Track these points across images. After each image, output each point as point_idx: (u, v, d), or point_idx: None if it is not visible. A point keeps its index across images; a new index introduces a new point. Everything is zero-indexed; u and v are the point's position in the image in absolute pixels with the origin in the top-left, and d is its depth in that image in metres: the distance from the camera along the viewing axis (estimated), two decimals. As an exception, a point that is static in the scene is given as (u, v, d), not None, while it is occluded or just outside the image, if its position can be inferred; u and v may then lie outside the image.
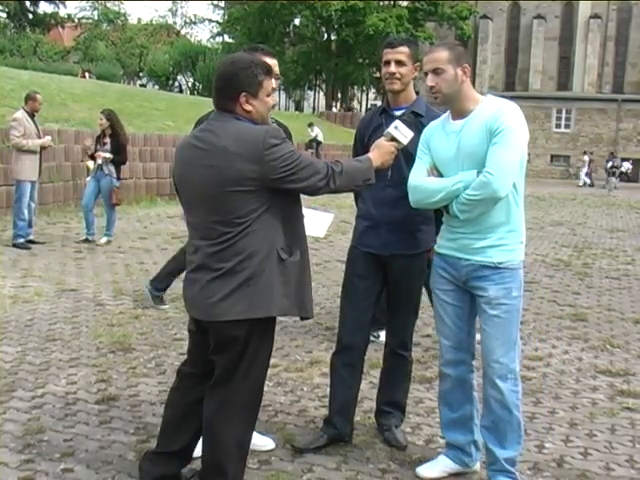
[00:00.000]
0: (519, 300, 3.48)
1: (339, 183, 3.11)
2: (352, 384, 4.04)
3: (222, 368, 3.15)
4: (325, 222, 3.64)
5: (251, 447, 3.88)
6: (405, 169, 3.81)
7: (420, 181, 3.54)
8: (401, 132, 3.34)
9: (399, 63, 3.82)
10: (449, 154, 3.46)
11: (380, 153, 3.31)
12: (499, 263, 3.42)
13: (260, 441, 3.97)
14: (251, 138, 2.95)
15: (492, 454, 3.54)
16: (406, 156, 3.79)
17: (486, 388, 3.54)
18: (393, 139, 3.34)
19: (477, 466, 3.79)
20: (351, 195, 4.19)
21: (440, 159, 3.51)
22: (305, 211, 3.43)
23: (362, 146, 3.99)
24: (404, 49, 3.83)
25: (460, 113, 3.46)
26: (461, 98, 3.42)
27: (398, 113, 3.89)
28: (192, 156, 3.08)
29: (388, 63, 3.84)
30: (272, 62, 3.72)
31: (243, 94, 3.03)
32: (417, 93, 4.00)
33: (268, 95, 3.13)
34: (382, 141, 3.36)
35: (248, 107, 3.05)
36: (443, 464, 3.74)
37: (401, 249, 3.88)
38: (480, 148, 3.33)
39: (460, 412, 3.69)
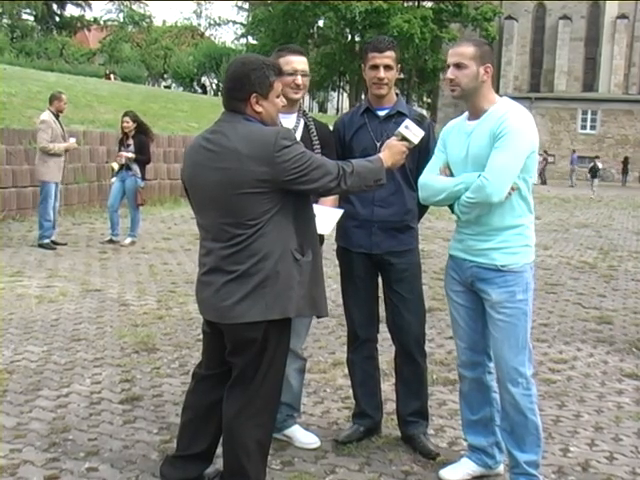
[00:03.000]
0: (525, 303, 3.45)
1: (350, 183, 3.09)
2: (374, 373, 4.12)
3: (240, 370, 3.15)
4: (334, 218, 3.63)
5: (298, 445, 3.93)
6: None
7: (428, 179, 3.57)
8: (412, 131, 3.33)
9: (387, 67, 3.82)
10: (460, 155, 3.47)
11: (391, 153, 3.28)
12: (502, 266, 3.41)
13: (306, 439, 3.99)
14: (262, 139, 2.94)
15: (513, 457, 3.54)
16: None
17: (500, 392, 3.55)
18: (404, 138, 3.33)
19: (500, 468, 3.77)
20: None
21: (452, 159, 3.53)
22: (315, 208, 3.43)
23: (341, 146, 3.97)
24: (391, 53, 3.82)
25: (475, 113, 3.45)
26: (478, 97, 3.42)
27: (382, 113, 3.91)
28: (202, 158, 3.06)
29: (376, 67, 3.82)
30: (299, 59, 3.73)
31: (254, 95, 3.02)
32: (397, 95, 4.01)
33: (278, 96, 3.12)
34: (393, 141, 3.33)
35: (258, 108, 3.05)
36: (466, 467, 3.72)
37: (393, 247, 3.89)
38: (485, 152, 3.33)
39: (480, 414, 3.67)
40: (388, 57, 3.80)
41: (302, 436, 4.02)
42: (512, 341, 3.43)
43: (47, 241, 10.14)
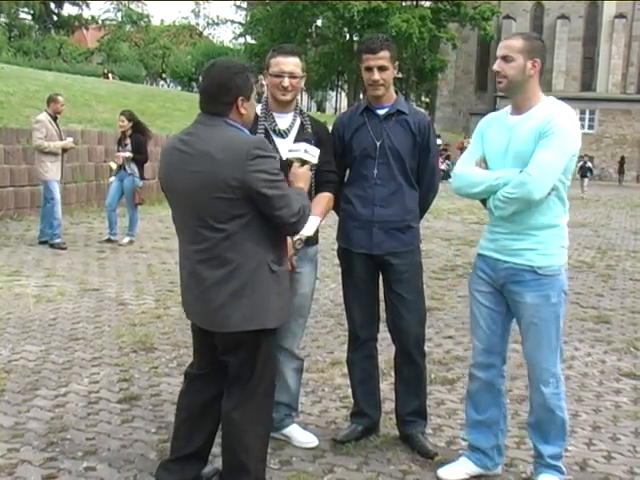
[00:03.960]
0: (559, 306, 3.45)
1: (304, 225, 3.15)
2: (373, 373, 4.12)
3: (236, 372, 3.17)
4: (314, 222, 3.65)
5: (296, 444, 3.94)
6: (393, 167, 3.82)
7: (465, 170, 3.53)
8: (311, 153, 3.31)
9: (382, 69, 3.77)
10: (499, 148, 3.43)
11: (304, 181, 3.26)
12: (538, 267, 3.39)
13: (304, 438, 4.00)
14: (237, 146, 2.95)
15: (537, 450, 3.61)
16: (393, 153, 3.81)
17: (531, 391, 3.58)
18: (304, 162, 3.31)
19: (499, 470, 3.77)
20: None
21: (490, 152, 3.49)
22: None
23: (341, 144, 3.95)
24: (385, 54, 3.75)
25: (519, 107, 3.41)
26: (524, 91, 3.38)
27: (381, 112, 3.87)
28: (176, 160, 3.08)
29: (370, 69, 3.78)
30: (288, 61, 3.67)
31: (240, 98, 3.05)
32: (396, 93, 3.94)
33: (255, 98, 3.17)
34: (298, 170, 3.29)
35: (243, 110, 3.07)
36: (465, 466, 3.73)
37: (394, 247, 3.87)
38: (528, 148, 3.30)
39: (486, 415, 3.67)
40: (382, 58, 3.75)
41: (300, 435, 4.02)
42: (544, 343, 3.44)
43: (58, 240, 10.12)
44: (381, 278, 4.02)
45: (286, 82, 3.65)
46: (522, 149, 3.33)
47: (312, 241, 3.82)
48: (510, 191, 3.30)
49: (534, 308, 3.41)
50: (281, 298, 3.12)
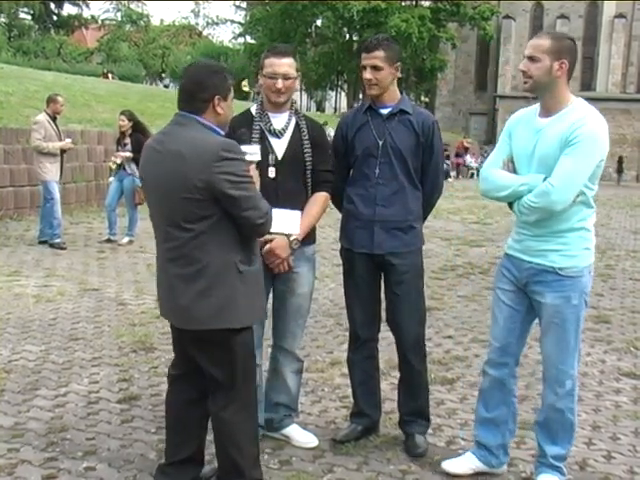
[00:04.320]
0: (580, 308, 3.43)
1: (271, 225, 3.14)
2: (373, 374, 4.11)
3: (216, 374, 3.16)
4: (295, 218, 3.64)
5: (295, 444, 3.95)
6: (395, 166, 3.81)
7: (491, 173, 3.50)
8: (250, 153, 3.23)
9: (375, 68, 3.75)
10: (526, 151, 3.40)
11: (254, 182, 3.20)
12: (560, 269, 3.37)
13: (304, 438, 4.00)
14: (205, 147, 2.96)
15: (541, 449, 3.60)
16: (395, 153, 3.79)
17: (544, 390, 3.58)
18: (249, 163, 3.22)
19: (503, 469, 3.79)
20: None
21: (517, 153, 3.47)
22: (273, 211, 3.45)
23: (344, 143, 3.96)
24: (379, 53, 3.73)
25: (548, 109, 3.37)
26: (551, 92, 3.33)
27: (384, 111, 3.86)
28: (151, 158, 3.13)
29: (365, 68, 3.78)
30: (282, 62, 3.63)
31: (217, 97, 3.07)
32: (400, 92, 3.93)
33: (231, 100, 3.17)
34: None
35: (220, 110, 3.09)
36: (470, 461, 3.74)
37: (395, 247, 3.86)
38: (553, 154, 3.26)
39: (495, 413, 3.68)
40: (375, 57, 3.73)
41: (300, 435, 4.02)
42: (563, 344, 3.44)
43: (58, 240, 10.12)
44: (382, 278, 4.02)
45: (279, 84, 3.63)
46: (547, 154, 3.29)
47: (309, 240, 3.82)
48: (533, 200, 3.28)
49: (554, 308, 3.41)
50: (250, 298, 3.11)
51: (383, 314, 4.09)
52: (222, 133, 3.13)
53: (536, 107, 3.49)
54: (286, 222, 3.60)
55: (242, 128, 3.56)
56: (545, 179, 3.27)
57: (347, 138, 3.95)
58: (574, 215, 3.35)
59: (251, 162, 3.22)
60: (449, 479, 3.71)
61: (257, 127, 3.72)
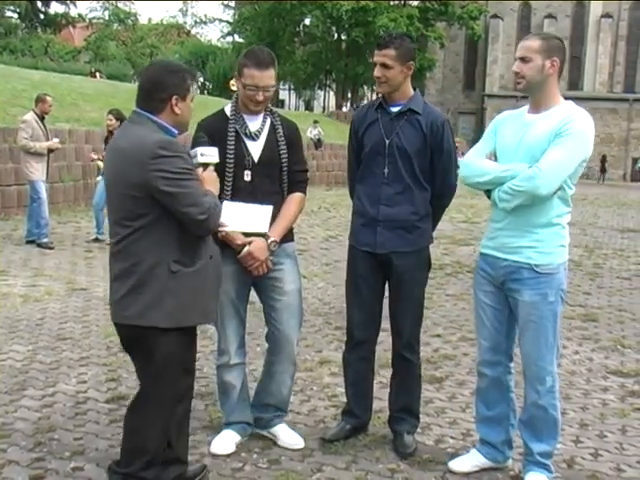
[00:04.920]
0: (556, 305, 3.46)
1: (217, 222, 3.12)
2: (367, 375, 4.10)
3: (139, 376, 3.25)
4: (266, 214, 3.61)
5: (281, 444, 3.94)
6: (401, 167, 3.79)
7: (473, 160, 3.55)
8: (208, 154, 3.22)
9: (384, 66, 3.72)
10: (512, 143, 3.44)
11: (210, 183, 3.18)
12: (536, 266, 3.41)
13: (290, 439, 3.98)
14: (143, 145, 2.96)
15: (527, 447, 3.62)
16: (401, 153, 3.78)
17: (526, 388, 3.59)
18: (206, 165, 3.21)
19: (509, 462, 3.82)
20: None
21: (502, 145, 3.51)
22: (240, 206, 3.43)
23: (356, 140, 3.96)
24: (389, 51, 3.70)
25: (537, 106, 3.43)
26: (543, 90, 3.39)
27: (395, 109, 3.84)
28: (107, 155, 3.26)
29: (375, 65, 3.78)
30: (262, 75, 3.57)
31: (175, 97, 3.06)
32: (414, 89, 3.91)
33: (191, 100, 3.16)
34: (203, 174, 3.16)
35: (177, 110, 3.08)
36: (475, 459, 3.77)
37: (398, 247, 3.84)
38: (541, 145, 3.32)
39: (496, 411, 3.71)
40: (385, 55, 3.70)
41: (287, 436, 4.00)
42: (542, 341, 3.46)
43: (46, 240, 10.07)
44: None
45: (260, 97, 3.62)
46: (534, 145, 3.34)
47: (287, 239, 3.82)
48: (518, 184, 3.32)
49: (532, 306, 3.43)
50: (181, 300, 3.06)
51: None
52: (175, 133, 3.10)
53: (524, 108, 3.55)
54: (256, 219, 3.57)
55: (216, 130, 3.57)
56: (531, 167, 3.31)
57: (358, 133, 3.95)
58: (551, 210, 3.40)
59: (208, 164, 3.21)
60: (438, 478, 3.71)
61: (232, 129, 3.70)
